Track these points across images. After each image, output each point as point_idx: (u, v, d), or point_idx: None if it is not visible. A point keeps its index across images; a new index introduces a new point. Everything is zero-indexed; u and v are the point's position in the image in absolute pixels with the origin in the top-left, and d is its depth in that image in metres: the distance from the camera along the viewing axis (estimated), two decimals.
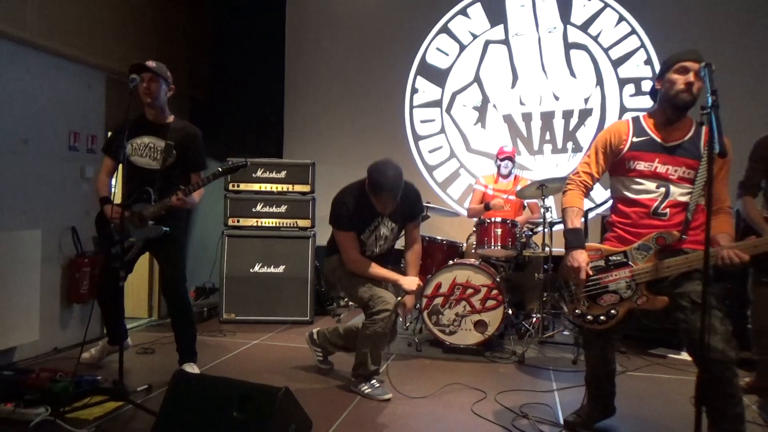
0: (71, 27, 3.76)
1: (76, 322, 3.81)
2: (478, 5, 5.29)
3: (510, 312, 3.85)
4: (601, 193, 4.71)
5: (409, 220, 3.13)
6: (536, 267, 4.24)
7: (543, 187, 3.89)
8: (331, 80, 5.62)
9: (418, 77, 5.44)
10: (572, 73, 5.08)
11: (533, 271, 4.24)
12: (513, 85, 5.22)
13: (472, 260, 3.92)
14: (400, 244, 3.25)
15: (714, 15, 4.70)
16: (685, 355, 3.71)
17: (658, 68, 2.33)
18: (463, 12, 5.34)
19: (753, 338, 2.96)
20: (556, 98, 5.12)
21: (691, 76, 2.16)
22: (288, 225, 4.69)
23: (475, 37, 5.31)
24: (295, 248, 4.62)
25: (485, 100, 5.28)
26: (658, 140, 2.28)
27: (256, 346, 3.93)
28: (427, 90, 5.43)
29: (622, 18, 4.96)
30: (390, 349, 3.47)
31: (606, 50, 5.00)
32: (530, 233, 4.21)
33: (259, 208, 4.68)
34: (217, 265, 4.71)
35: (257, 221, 4.68)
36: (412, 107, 5.47)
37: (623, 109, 4.96)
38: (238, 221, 4.66)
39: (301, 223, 4.70)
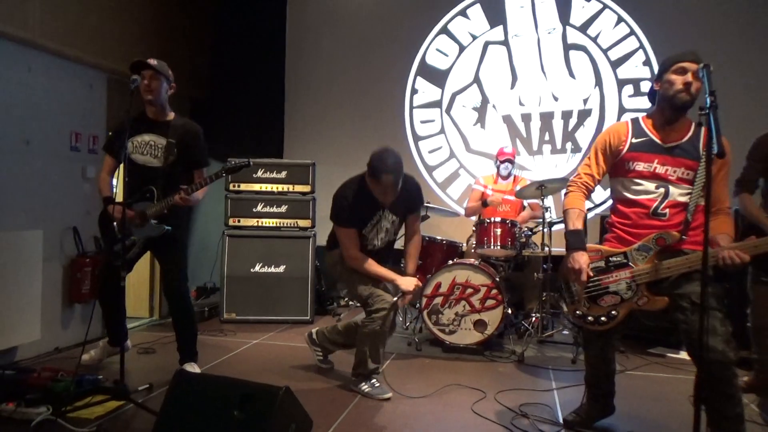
0: (73, 27, 3.77)
1: (77, 321, 3.82)
2: (478, 6, 5.31)
3: (509, 311, 3.86)
4: (600, 193, 4.72)
5: (410, 212, 3.15)
6: (536, 267, 4.25)
7: (542, 188, 3.90)
8: (331, 80, 5.63)
9: (418, 78, 5.45)
10: (571, 74, 5.09)
11: (532, 271, 4.25)
12: (512, 86, 5.23)
13: (472, 260, 3.93)
14: (399, 244, 3.26)
15: (713, 15, 4.71)
16: (684, 355, 3.72)
17: (656, 69, 2.34)
18: (463, 13, 5.35)
19: (752, 337, 2.97)
20: (555, 99, 5.13)
21: (689, 77, 2.17)
22: (288, 225, 4.70)
23: (474, 38, 5.32)
24: (295, 248, 4.64)
25: (485, 100, 5.29)
26: (658, 141, 2.29)
27: (257, 346, 3.94)
28: (426, 90, 5.44)
29: (621, 19, 4.97)
30: (389, 345, 3.47)
31: (605, 51, 5.01)
32: (530, 233, 4.22)
33: (259, 208, 4.69)
34: (217, 264, 4.72)
35: (258, 221, 4.69)
36: (412, 108, 5.48)
37: (622, 110, 4.98)
38: (238, 221, 4.67)
39: (302, 223, 4.71)
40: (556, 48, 5.12)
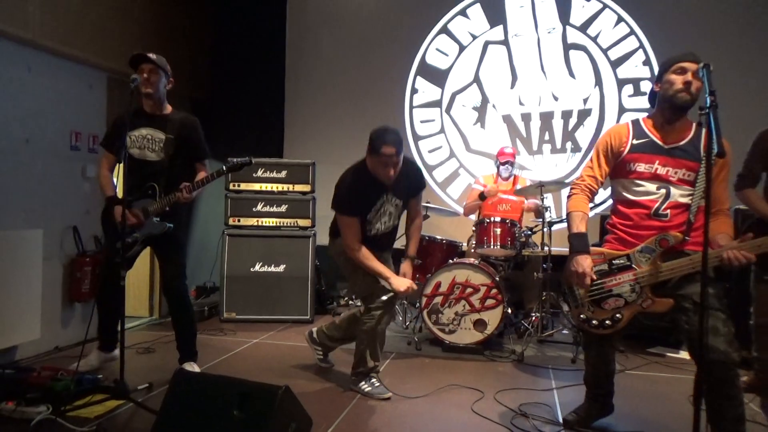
0: (73, 27, 3.77)
1: (77, 321, 3.82)
2: (478, 6, 5.31)
3: (509, 311, 3.86)
4: (600, 193, 4.68)
5: (412, 195, 3.16)
6: (535, 266, 4.25)
7: (542, 188, 3.90)
8: (331, 80, 5.63)
9: (418, 77, 5.45)
10: (571, 74, 5.09)
11: (532, 271, 4.25)
12: (512, 86, 5.23)
13: (472, 259, 3.93)
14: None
15: (714, 15, 4.71)
16: (683, 354, 3.73)
17: (656, 68, 2.34)
18: (463, 13, 5.35)
19: (754, 335, 2.96)
20: (555, 98, 5.13)
21: (689, 76, 2.17)
22: (288, 224, 4.71)
23: (474, 37, 5.32)
24: (295, 247, 4.64)
25: (485, 100, 5.29)
26: (658, 142, 2.29)
27: (257, 345, 3.94)
28: (426, 90, 5.44)
29: (621, 19, 4.97)
30: (389, 344, 3.47)
31: (605, 51, 5.01)
32: (530, 233, 4.23)
33: (259, 207, 4.70)
34: (217, 264, 4.72)
35: (258, 221, 4.69)
36: (411, 107, 5.48)
37: (622, 110, 4.98)
38: (238, 221, 4.68)
39: (302, 222, 4.71)
40: (556, 48, 5.12)
